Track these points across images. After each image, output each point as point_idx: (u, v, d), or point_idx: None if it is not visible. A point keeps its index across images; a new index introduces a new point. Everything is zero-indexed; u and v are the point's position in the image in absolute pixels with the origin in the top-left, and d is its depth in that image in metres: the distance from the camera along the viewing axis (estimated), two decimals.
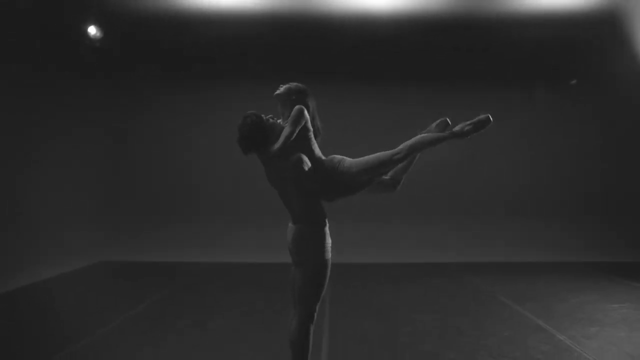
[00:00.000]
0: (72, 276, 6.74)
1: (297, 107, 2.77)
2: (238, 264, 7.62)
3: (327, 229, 2.80)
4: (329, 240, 2.78)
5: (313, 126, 2.89)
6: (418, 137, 2.76)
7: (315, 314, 2.78)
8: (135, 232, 8.33)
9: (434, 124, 2.86)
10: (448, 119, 2.81)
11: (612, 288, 6.01)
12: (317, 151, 2.87)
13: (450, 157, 8.67)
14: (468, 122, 2.68)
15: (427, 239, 8.34)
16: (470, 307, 5.10)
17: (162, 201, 8.55)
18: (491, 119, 2.65)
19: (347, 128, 8.57)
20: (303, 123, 2.76)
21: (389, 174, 2.99)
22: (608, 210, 8.74)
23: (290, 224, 2.82)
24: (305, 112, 2.79)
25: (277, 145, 2.70)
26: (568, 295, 5.63)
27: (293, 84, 2.96)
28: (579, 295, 5.59)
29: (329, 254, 2.76)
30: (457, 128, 2.70)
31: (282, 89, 2.93)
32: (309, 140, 2.83)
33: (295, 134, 2.71)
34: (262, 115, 2.83)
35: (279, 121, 2.86)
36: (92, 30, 7.52)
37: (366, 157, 2.77)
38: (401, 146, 2.73)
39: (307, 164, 2.69)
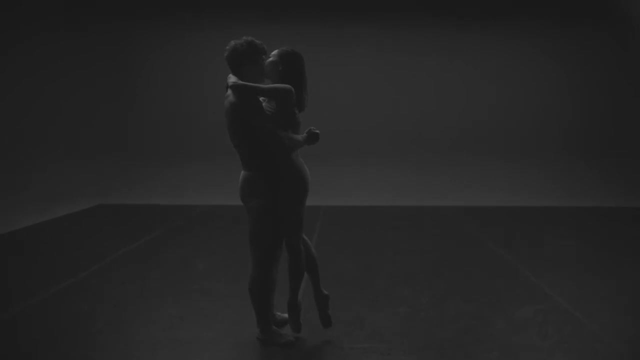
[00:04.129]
0: (71, 218, 6.84)
1: (288, 86, 2.65)
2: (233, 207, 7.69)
3: (272, 175, 2.72)
4: (272, 187, 2.73)
5: (300, 100, 2.78)
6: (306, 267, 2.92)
7: (271, 265, 2.79)
8: (133, 177, 8.41)
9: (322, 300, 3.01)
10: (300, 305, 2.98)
11: (594, 234, 6.04)
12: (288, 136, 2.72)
13: (444, 104, 8.61)
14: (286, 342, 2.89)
15: (418, 182, 8.35)
16: (450, 247, 5.16)
17: (161, 146, 8.58)
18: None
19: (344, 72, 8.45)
20: (280, 100, 2.68)
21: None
22: (605, 156, 8.65)
23: (242, 171, 2.81)
24: (293, 95, 2.66)
25: (233, 80, 2.64)
26: (553, 239, 5.67)
27: (284, 50, 2.79)
28: (560, 239, 5.64)
29: (271, 201, 2.72)
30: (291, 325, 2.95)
31: (274, 55, 2.76)
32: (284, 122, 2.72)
33: (259, 94, 2.64)
34: (253, 46, 2.71)
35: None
36: None
37: (299, 218, 2.79)
38: (304, 252, 2.90)
39: (252, 107, 2.61)
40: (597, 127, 8.68)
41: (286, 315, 3.06)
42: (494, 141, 8.71)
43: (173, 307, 3.47)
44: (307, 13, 8.31)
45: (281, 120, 2.69)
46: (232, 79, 2.66)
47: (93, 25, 8.22)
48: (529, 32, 8.58)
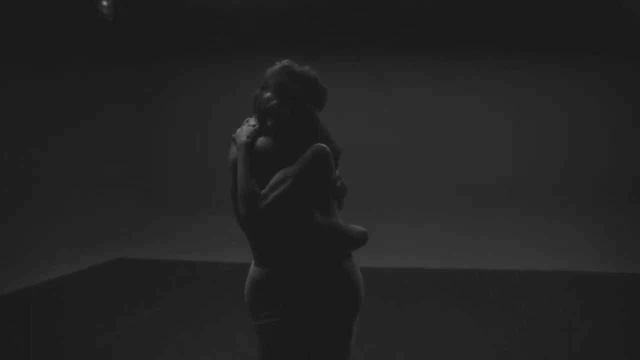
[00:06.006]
0: (84, 275, 6.21)
1: (317, 147, 1.69)
2: None
3: (303, 276, 1.71)
4: (301, 295, 1.71)
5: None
6: None
7: None
8: (156, 228, 7.74)
9: None
10: None
11: None
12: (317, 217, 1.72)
13: (508, 143, 7.61)
14: None
15: (477, 241, 7.23)
16: (529, 333, 4.03)
17: (187, 196, 7.94)
18: None
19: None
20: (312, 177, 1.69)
21: None
22: None
23: (252, 267, 1.86)
24: (331, 159, 1.73)
25: (240, 138, 1.79)
26: None
27: (279, 83, 1.77)
28: None
29: (297, 316, 1.71)
30: None
31: (270, 95, 1.77)
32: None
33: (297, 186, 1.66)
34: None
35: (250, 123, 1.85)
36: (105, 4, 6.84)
37: (345, 344, 1.83)
38: None
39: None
40: None
41: None
42: (560, 192, 7.54)
43: None
44: (340, 50, 7.61)
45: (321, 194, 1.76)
46: (243, 135, 1.76)
47: (114, 69, 7.78)
48: (584, 70, 7.54)
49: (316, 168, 1.68)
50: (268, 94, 1.77)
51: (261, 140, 1.74)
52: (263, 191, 1.65)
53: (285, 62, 1.84)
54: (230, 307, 4.70)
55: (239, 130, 1.82)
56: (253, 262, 1.84)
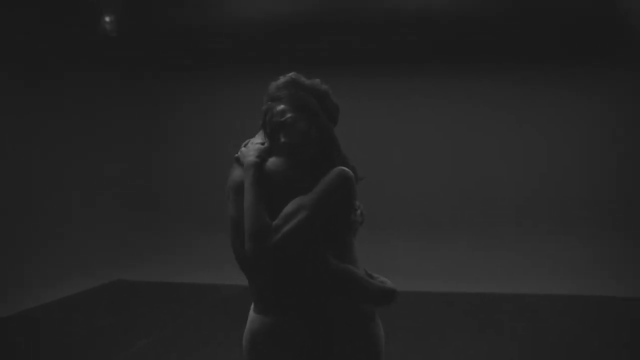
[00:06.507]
0: (79, 298, 5.98)
1: (339, 172, 1.46)
2: None
3: (314, 324, 1.45)
4: (311, 346, 1.44)
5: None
6: None
7: None
8: (155, 251, 7.54)
9: None
10: None
11: None
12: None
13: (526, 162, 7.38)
14: None
15: (489, 263, 6.97)
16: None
17: (190, 214, 7.76)
18: None
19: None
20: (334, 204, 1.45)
21: None
22: None
23: (252, 314, 1.58)
24: (354, 185, 1.49)
25: (248, 158, 1.53)
26: None
27: (292, 94, 1.54)
28: None
29: None
30: None
31: (283, 109, 1.52)
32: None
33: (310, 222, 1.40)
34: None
35: (252, 141, 1.62)
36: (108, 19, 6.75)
37: None
38: None
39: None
40: None
41: None
42: (574, 215, 7.28)
43: None
44: (353, 66, 7.46)
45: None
46: (251, 155, 1.51)
47: (115, 82, 7.68)
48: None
49: (337, 196, 1.43)
50: (282, 107, 1.52)
51: (272, 161, 1.49)
52: (275, 222, 1.40)
53: (292, 75, 1.63)
54: (231, 333, 4.47)
55: (243, 149, 1.57)
56: (252, 307, 1.58)
